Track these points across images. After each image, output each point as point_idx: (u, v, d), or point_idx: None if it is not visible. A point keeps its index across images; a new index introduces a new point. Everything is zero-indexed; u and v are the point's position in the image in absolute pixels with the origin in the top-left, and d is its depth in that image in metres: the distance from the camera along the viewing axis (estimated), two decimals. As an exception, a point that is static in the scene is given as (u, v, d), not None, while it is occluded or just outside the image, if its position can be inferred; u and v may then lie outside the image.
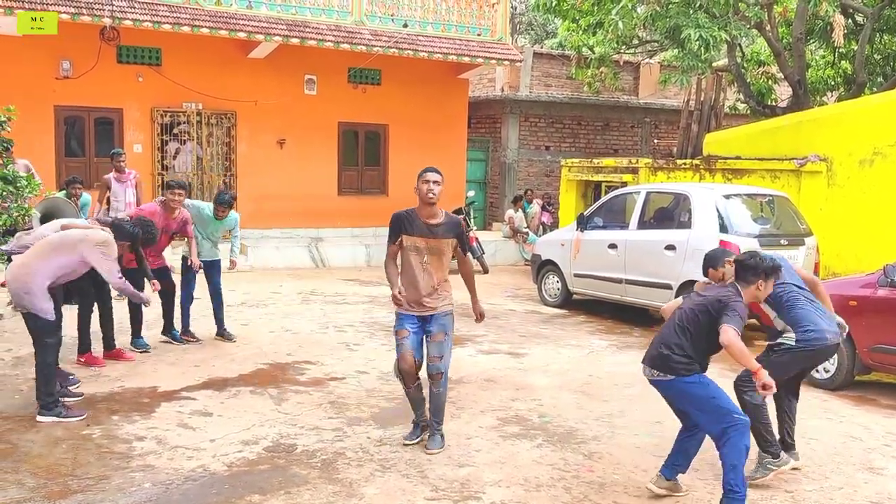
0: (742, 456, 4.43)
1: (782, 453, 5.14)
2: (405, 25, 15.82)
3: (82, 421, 5.79)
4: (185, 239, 8.36)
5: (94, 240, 5.98)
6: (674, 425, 6.10)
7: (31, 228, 7.10)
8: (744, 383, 5.05)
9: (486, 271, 14.46)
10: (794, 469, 5.22)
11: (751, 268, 4.74)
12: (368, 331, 9.34)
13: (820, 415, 6.62)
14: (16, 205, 7.90)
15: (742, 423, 4.48)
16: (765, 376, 4.36)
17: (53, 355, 5.89)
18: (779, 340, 5.22)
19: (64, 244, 5.91)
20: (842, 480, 5.16)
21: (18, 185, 8.00)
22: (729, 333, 4.38)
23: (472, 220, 15.26)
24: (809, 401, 7.01)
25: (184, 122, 15.02)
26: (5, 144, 9.59)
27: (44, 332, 5.79)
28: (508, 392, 6.96)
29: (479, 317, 5.73)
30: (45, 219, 8.54)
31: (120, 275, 6.12)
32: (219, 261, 8.73)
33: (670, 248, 9.64)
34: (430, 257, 5.36)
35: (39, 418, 5.77)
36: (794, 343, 5.14)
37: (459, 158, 17.89)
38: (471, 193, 17.17)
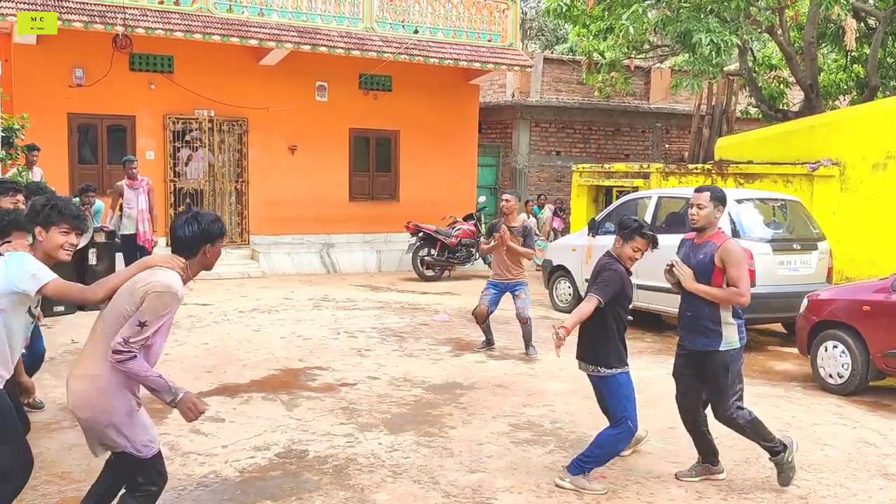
0: (611, 450, 4.94)
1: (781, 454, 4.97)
2: (416, 31, 15.86)
3: None
4: None
5: (143, 291, 3.50)
6: (686, 431, 6.08)
7: None
8: (728, 411, 4.88)
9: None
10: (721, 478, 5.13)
11: (619, 226, 5.07)
12: (379, 336, 9.35)
13: (834, 420, 6.57)
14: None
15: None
16: (558, 344, 4.76)
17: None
18: (721, 348, 4.92)
19: (115, 315, 3.55)
20: (857, 487, 5.12)
21: (32, 192, 8.05)
22: (584, 301, 4.88)
23: (482, 226, 15.26)
24: (824, 406, 6.97)
25: (196, 129, 15.09)
26: (31, 149, 9.71)
27: (144, 472, 3.70)
28: (520, 398, 6.95)
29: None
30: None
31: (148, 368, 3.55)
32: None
33: (682, 252, 9.59)
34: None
35: None
36: (737, 342, 4.95)
37: (470, 164, 17.91)
38: (482, 199, 17.16)
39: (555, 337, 4.72)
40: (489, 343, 8.84)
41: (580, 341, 5.10)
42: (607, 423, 5.05)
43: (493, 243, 8.53)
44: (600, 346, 4.94)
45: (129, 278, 3.58)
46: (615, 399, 4.94)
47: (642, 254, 5.00)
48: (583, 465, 4.92)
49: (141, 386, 3.59)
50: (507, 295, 8.68)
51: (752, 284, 8.99)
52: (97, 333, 3.59)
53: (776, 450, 4.95)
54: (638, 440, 5.52)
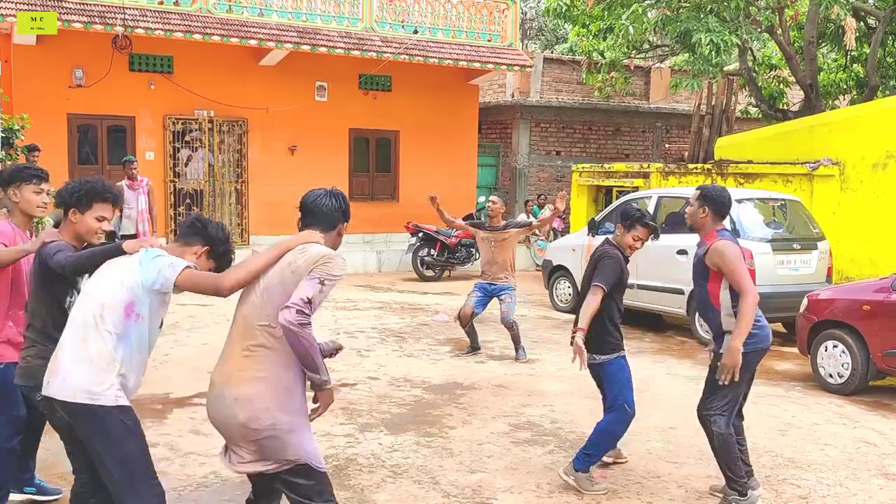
0: (611, 436, 4.99)
1: (750, 491, 4.64)
2: (415, 32, 15.86)
3: None
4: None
5: (311, 260, 3.19)
6: (687, 431, 6.08)
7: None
8: (708, 412, 4.62)
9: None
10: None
11: (622, 215, 5.03)
12: (379, 336, 9.34)
13: (834, 420, 6.57)
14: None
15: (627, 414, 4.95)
16: (577, 342, 4.70)
17: None
18: (721, 350, 4.58)
19: (283, 299, 3.12)
20: (857, 486, 5.12)
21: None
22: (590, 293, 4.83)
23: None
24: (824, 406, 6.97)
25: (195, 130, 15.09)
26: (31, 149, 9.71)
27: (323, 486, 3.30)
28: (520, 398, 6.95)
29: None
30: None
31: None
32: None
33: (682, 252, 9.60)
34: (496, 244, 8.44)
35: None
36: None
37: (470, 164, 17.91)
38: (481, 199, 17.16)
39: (574, 346, 4.70)
40: (474, 348, 8.71)
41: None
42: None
43: (485, 233, 8.50)
44: (595, 333, 4.88)
45: (269, 264, 3.22)
46: (613, 385, 4.95)
47: (642, 243, 4.99)
48: (588, 457, 4.90)
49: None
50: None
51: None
52: (254, 328, 3.16)
53: (735, 487, 4.60)
54: (619, 455, 5.36)
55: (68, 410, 3.24)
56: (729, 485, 4.64)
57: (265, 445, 3.15)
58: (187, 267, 3.24)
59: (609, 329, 4.94)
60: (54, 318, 3.74)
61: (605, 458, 5.24)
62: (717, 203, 4.68)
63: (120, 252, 3.40)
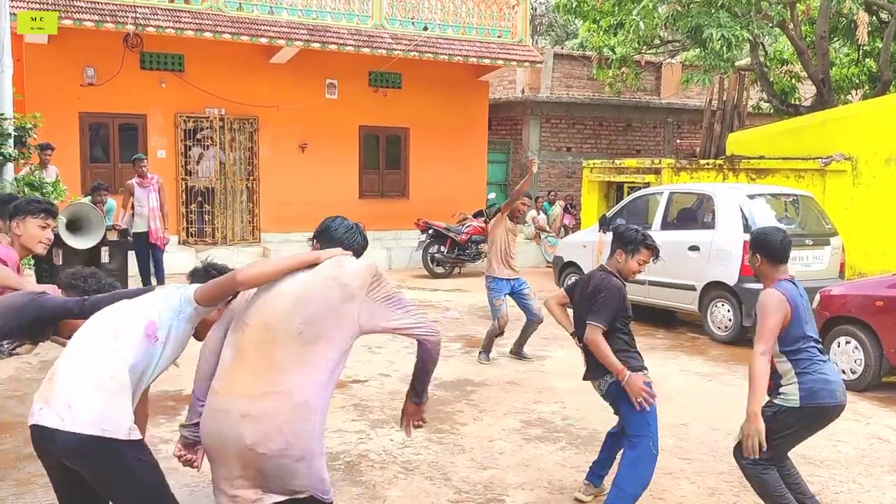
0: (637, 485, 4.37)
1: None
2: (425, 28, 15.86)
3: None
4: None
5: (360, 277, 3.00)
6: (698, 428, 6.07)
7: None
8: (743, 459, 4.15)
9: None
10: None
11: (615, 236, 4.66)
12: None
13: (847, 416, 6.51)
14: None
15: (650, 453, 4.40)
16: (633, 381, 4.25)
17: None
18: (775, 400, 4.12)
19: (324, 312, 2.92)
20: (869, 483, 5.10)
21: (45, 191, 8.12)
22: (590, 334, 4.38)
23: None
24: (836, 402, 6.94)
25: (207, 128, 15.15)
26: (44, 148, 9.80)
27: None
28: (531, 394, 6.95)
29: None
30: (70, 225, 8.66)
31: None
32: None
33: (694, 248, 9.58)
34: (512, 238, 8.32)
35: None
36: (798, 401, 4.05)
37: (480, 161, 17.90)
38: (491, 196, 17.18)
39: (636, 386, 4.32)
40: (488, 352, 8.37)
41: (586, 360, 4.60)
42: (615, 418, 4.70)
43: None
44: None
45: (289, 270, 3.01)
46: (632, 412, 4.41)
47: (646, 266, 4.63)
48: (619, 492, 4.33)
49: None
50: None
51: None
52: (277, 338, 2.82)
53: None
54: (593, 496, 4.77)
55: (72, 442, 2.80)
56: None
57: (268, 472, 2.76)
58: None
59: (622, 352, 4.45)
60: None
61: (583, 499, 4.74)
62: (766, 247, 4.22)
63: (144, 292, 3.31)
